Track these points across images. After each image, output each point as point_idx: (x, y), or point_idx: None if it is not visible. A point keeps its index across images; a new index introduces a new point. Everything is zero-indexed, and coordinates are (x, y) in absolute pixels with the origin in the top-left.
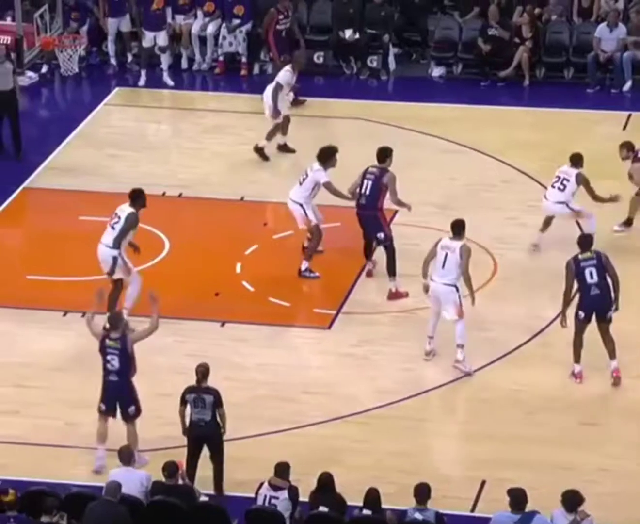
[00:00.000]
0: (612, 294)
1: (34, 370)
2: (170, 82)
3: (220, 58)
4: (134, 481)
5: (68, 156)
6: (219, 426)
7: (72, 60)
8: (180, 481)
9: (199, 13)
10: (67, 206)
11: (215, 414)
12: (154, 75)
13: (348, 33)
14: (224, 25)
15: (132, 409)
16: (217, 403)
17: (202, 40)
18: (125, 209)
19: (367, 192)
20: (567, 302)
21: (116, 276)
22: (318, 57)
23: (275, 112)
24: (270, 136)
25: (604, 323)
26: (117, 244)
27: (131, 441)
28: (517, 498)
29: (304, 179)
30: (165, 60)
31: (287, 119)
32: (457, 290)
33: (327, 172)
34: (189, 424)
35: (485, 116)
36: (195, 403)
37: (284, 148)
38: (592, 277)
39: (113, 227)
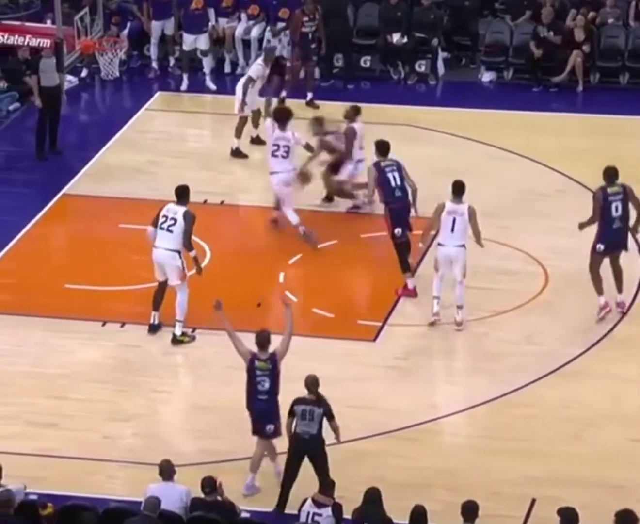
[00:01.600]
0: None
1: (71, 382)
2: (213, 87)
3: None
4: (173, 497)
5: (108, 162)
6: (323, 441)
7: (113, 64)
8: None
9: (243, 16)
10: (106, 213)
11: (322, 427)
12: (196, 79)
13: (396, 37)
14: (268, 28)
15: (270, 427)
16: (328, 415)
17: (246, 43)
18: (177, 209)
19: (399, 182)
20: (587, 225)
21: (173, 282)
22: (365, 62)
23: (242, 105)
24: (238, 133)
25: (617, 255)
26: (189, 245)
27: (259, 456)
28: (568, 516)
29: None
30: (207, 64)
31: (257, 112)
32: (466, 249)
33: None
34: (292, 435)
35: (537, 123)
36: (304, 415)
37: (256, 141)
38: (617, 210)
39: (169, 230)
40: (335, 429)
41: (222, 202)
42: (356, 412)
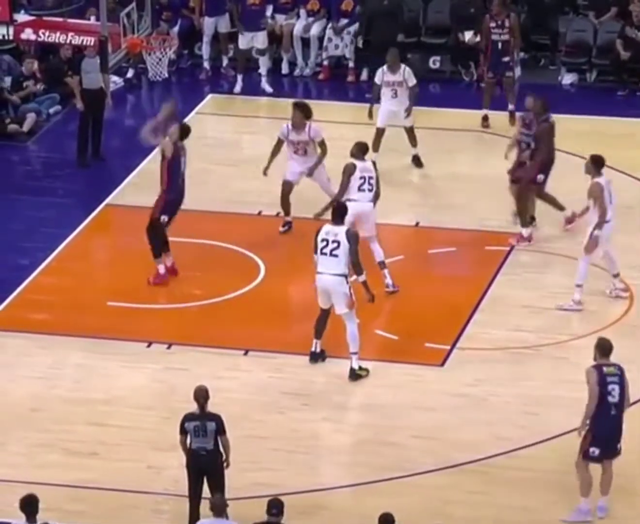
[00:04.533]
0: None
1: (113, 407)
2: (269, 89)
3: (325, 62)
4: None
5: (155, 170)
6: (221, 456)
7: (161, 63)
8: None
9: (302, 12)
10: None
11: (218, 442)
12: (251, 81)
13: (468, 35)
14: (329, 25)
15: (619, 446)
16: (220, 430)
17: (305, 42)
18: (337, 230)
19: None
20: None
21: (341, 310)
22: (434, 62)
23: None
24: (414, 141)
25: None
26: (359, 268)
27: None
28: None
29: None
30: (263, 64)
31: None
32: None
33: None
34: (189, 453)
35: (623, 130)
36: (196, 432)
37: (416, 161)
38: None
39: (334, 254)
40: (225, 446)
41: (278, 214)
42: (421, 443)
